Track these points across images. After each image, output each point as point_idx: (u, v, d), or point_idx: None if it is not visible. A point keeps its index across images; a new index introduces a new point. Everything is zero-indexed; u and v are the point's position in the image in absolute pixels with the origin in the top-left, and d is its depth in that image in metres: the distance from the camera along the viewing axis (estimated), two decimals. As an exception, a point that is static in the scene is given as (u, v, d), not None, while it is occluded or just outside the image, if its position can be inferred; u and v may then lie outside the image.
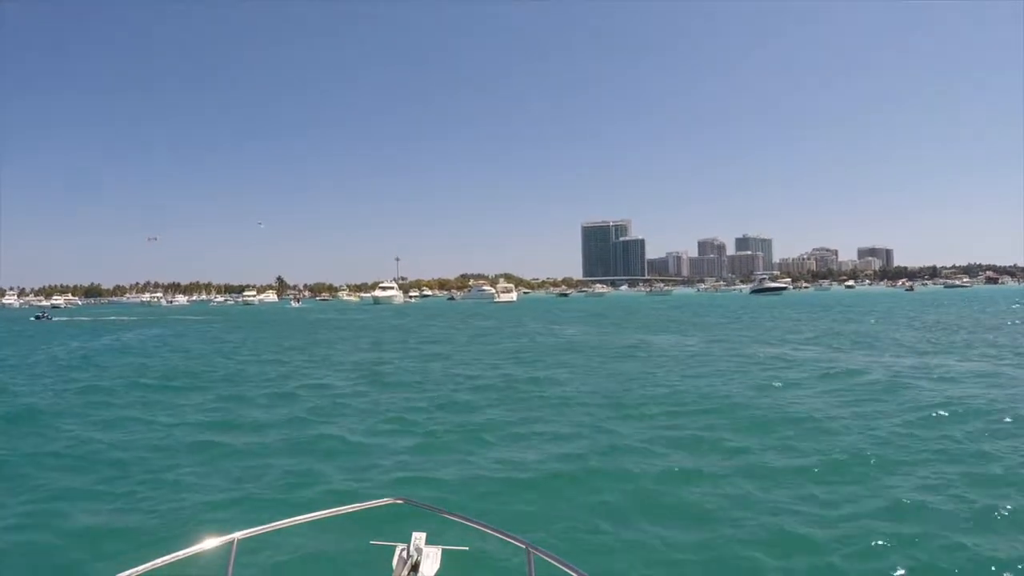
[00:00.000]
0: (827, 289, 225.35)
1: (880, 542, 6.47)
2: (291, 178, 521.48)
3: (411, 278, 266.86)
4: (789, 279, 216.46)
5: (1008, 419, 11.70)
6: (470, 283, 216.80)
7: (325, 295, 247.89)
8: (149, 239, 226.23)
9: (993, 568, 5.93)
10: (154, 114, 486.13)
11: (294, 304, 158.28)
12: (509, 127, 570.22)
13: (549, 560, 2.46)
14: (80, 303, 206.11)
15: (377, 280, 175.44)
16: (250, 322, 66.88)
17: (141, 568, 2.37)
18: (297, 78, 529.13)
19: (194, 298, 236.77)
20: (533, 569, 2.46)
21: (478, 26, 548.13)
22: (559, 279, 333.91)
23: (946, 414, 12.27)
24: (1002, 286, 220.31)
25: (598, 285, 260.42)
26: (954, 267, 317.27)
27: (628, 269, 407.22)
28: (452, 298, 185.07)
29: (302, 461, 10.13)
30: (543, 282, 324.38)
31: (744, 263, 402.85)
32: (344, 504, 3.34)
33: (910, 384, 16.02)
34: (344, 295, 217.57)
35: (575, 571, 2.41)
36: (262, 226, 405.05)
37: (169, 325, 61.75)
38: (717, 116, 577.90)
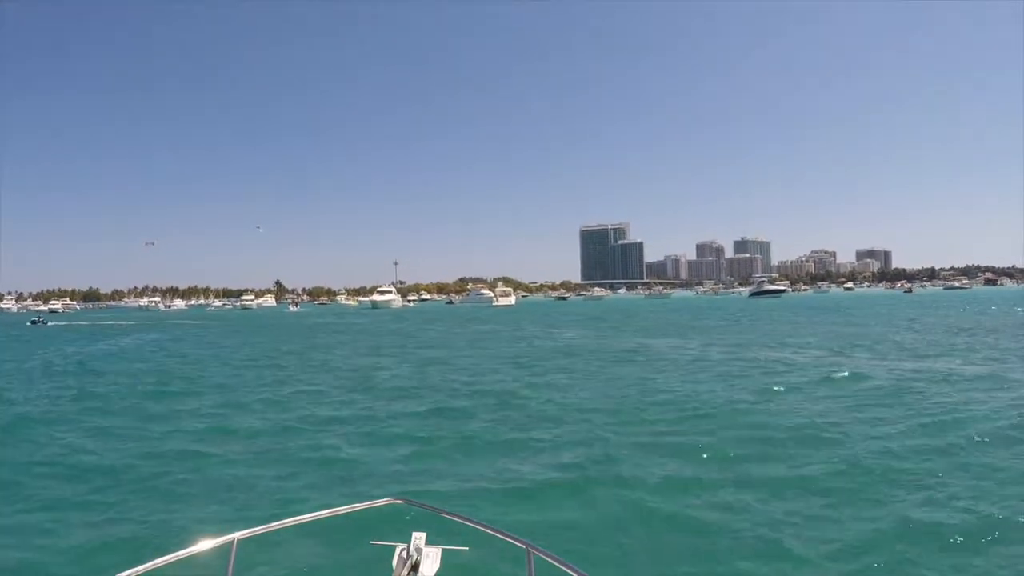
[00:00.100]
0: (826, 291, 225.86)
1: (883, 561, 6.28)
2: (290, 181, 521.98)
3: (409, 282, 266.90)
4: (787, 281, 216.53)
5: (1015, 425, 11.55)
6: (468, 287, 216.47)
7: (324, 299, 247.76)
8: (146, 243, 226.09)
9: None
10: (152, 116, 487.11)
11: (292, 308, 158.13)
12: (509, 127, 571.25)
13: (549, 560, 2.45)
14: (78, 308, 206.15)
15: (375, 284, 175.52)
16: (248, 327, 66.68)
17: (141, 568, 2.37)
18: (296, 79, 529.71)
19: (192, 302, 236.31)
20: (533, 569, 2.46)
21: (478, 26, 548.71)
22: (558, 282, 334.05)
23: (950, 419, 12.12)
24: (1001, 287, 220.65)
25: (596, 288, 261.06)
26: (952, 269, 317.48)
27: (626, 272, 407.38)
28: (451, 302, 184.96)
29: (294, 471, 9.95)
30: (541, 285, 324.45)
31: (742, 266, 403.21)
32: (344, 504, 3.34)
33: (913, 388, 15.89)
34: (342, 299, 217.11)
35: (575, 571, 2.40)
36: (260, 230, 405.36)
37: (166, 330, 61.53)
38: (717, 116, 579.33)
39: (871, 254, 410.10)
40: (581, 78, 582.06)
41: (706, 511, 7.75)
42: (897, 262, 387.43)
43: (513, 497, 8.46)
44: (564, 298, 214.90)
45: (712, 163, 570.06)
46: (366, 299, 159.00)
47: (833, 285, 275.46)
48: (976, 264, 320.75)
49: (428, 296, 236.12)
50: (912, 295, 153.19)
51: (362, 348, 34.43)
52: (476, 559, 5.40)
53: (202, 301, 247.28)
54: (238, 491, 8.99)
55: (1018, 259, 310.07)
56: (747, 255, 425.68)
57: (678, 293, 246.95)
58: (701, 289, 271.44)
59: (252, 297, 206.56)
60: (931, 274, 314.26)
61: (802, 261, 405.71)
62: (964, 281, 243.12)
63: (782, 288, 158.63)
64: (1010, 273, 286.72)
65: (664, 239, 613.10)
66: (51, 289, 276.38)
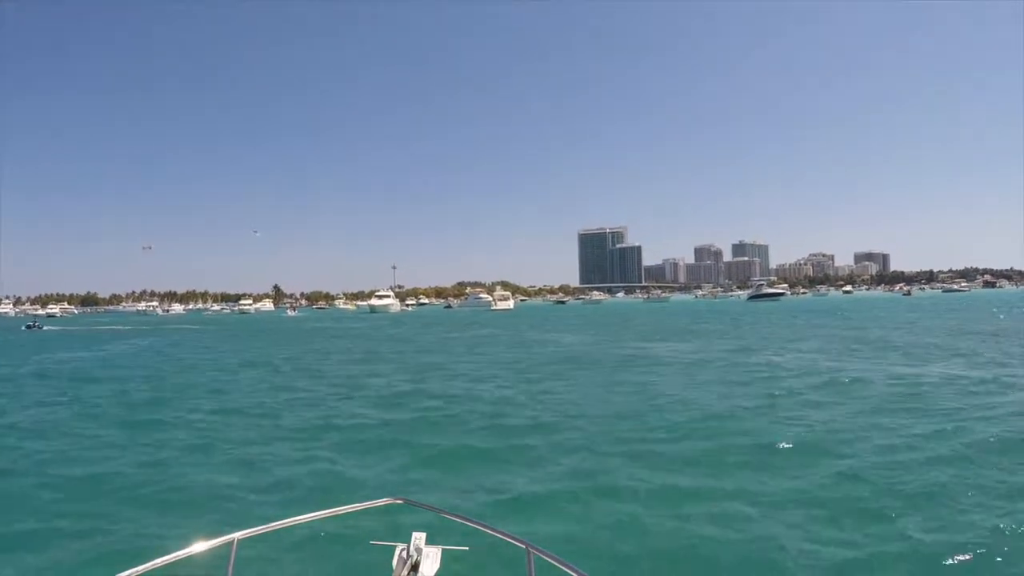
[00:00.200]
0: (825, 295, 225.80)
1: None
2: (288, 183, 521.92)
3: (408, 286, 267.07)
4: (786, 285, 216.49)
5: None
6: (467, 291, 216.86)
7: (322, 304, 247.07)
8: (144, 248, 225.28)
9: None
10: (151, 117, 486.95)
11: (290, 313, 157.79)
12: (508, 127, 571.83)
13: (549, 560, 2.45)
14: (76, 312, 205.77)
15: (374, 288, 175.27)
16: (245, 331, 66.37)
17: (141, 568, 2.37)
18: (295, 81, 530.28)
19: (190, 307, 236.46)
20: (533, 569, 2.45)
21: (478, 26, 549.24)
22: (556, 286, 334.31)
23: (957, 427, 11.84)
24: (1000, 290, 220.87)
25: (595, 292, 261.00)
26: (951, 271, 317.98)
27: (625, 276, 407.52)
28: (449, 306, 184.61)
29: (286, 480, 9.66)
30: (540, 289, 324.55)
31: (741, 269, 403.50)
32: (344, 504, 3.34)
33: (917, 393, 15.64)
34: (341, 304, 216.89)
35: (575, 571, 2.40)
36: (257, 234, 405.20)
37: (163, 335, 61.17)
38: (716, 116, 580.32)
39: (869, 257, 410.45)
40: (581, 78, 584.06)
41: (704, 523, 7.48)
42: (895, 265, 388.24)
43: (505, 508, 8.22)
44: (563, 302, 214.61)
45: (711, 163, 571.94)
46: (364, 303, 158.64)
47: (831, 288, 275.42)
48: (974, 266, 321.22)
49: (426, 300, 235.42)
50: (911, 298, 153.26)
51: (359, 353, 34.14)
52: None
53: (200, 305, 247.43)
54: (227, 501, 8.72)
55: (1015, 261, 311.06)
56: (745, 258, 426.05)
57: (677, 296, 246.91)
58: (700, 292, 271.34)
59: (250, 301, 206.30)
60: (929, 276, 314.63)
61: (800, 264, 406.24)
62: (963, 283, 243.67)
63: (781, 291, 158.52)
64: (1008, 275, 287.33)
65: (662, 243, 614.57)
66: (49, 293, 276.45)
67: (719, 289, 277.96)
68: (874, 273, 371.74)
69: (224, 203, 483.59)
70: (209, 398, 18.41)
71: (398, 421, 14.26)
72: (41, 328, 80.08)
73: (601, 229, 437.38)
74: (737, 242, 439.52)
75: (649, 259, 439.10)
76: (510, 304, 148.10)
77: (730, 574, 6.30)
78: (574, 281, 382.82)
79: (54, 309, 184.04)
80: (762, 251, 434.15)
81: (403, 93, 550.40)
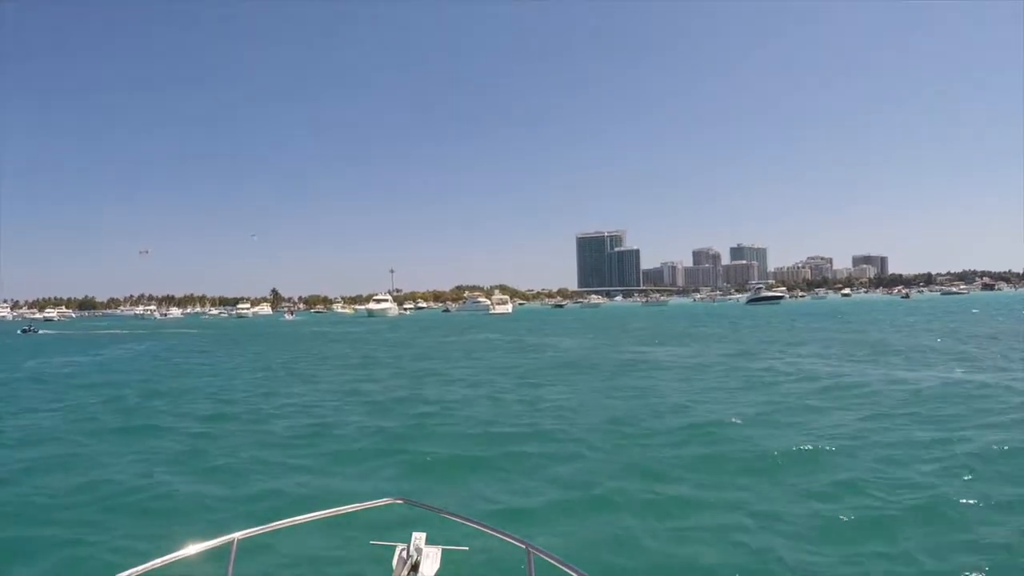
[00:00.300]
0: (823, 298, 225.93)
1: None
2: (286, 188, 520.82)
3: (406, 290, 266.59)
4: (784, 288, 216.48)
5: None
6: (465, 295, 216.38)
7: (320, 307, 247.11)
8: (141, 252, 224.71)
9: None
10: (150, 120, 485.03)
11: (288, 317, 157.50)
12: (508, 128, 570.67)
13: (549, 560, 2.45)
14: (74, 316, 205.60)
15: (372, 292, 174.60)
16: (242, 336, 66.06)
17: (141, 568, 2.37)
18: (294, 82, 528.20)
19: (188, 311, 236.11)
20: (533, 569, 2.45)
21: (478, 26, 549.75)
22: (554, 290, 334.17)
23: (967, 435, 11.60)
24: (999, 292, 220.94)
25: (593, 296, 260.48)
26: (949, 274, 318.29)
27: (623, 280, 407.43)
28: (447, 310, 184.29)
29: (271, 494, 9.41)
30: (538, 293, 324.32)
31: (739, 272, 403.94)
32: (344, 504, 3.34)
33: (921, 397, 15.42)
34: (339, 307, 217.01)
35: (575, 571, 2.40)
36: (255, 238, 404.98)
37: (160, 339, 60.88)
38: (716, 116, 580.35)
39: (867, 260, 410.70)
40: (581, 78, 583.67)
41: (702, 534, 7.27)
42: (893, 267, 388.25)
43: (500, 518, 7.96)
44: (561, 306, 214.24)
45: (711, 164, 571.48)
46: (362, 307, 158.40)
47: (830, 291, 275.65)
48: (972, 269, 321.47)
49: (424, 304, 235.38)
50: (910, 300, 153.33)
51: (356, 359, 33.89)
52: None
53: (198, 309, 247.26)
54: (213, 512, 8.48)
55: (1013, 263, 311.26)
56: (743, 262, 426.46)
57: (675, 300, 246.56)
58: (698, 296, 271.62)
59: (248, 305, 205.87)
60: (928, 279, 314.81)
61: (798, 267, 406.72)
62: (961, 286, 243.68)
63: (779, 295, 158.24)
64: (1007, 278, 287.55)
65: (660, 246, 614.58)
66: (47, 297, 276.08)
67: (717, 292, 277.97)
68: (872, 276, 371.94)
69: (222, 204, 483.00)
70: (203, 404, 18.15)
71: (393, 428, 14.00)
72: (36, 332, 79.87)
73: (599, 232, 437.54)
74: (735, 245, 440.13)
75: (647, 262, 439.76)
76: (508, 308, 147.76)
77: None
78: (572, 285, 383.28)
79: (51, 313, 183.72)
80: (760, 254, 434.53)
81: (403, 93, 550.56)
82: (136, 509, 8.75)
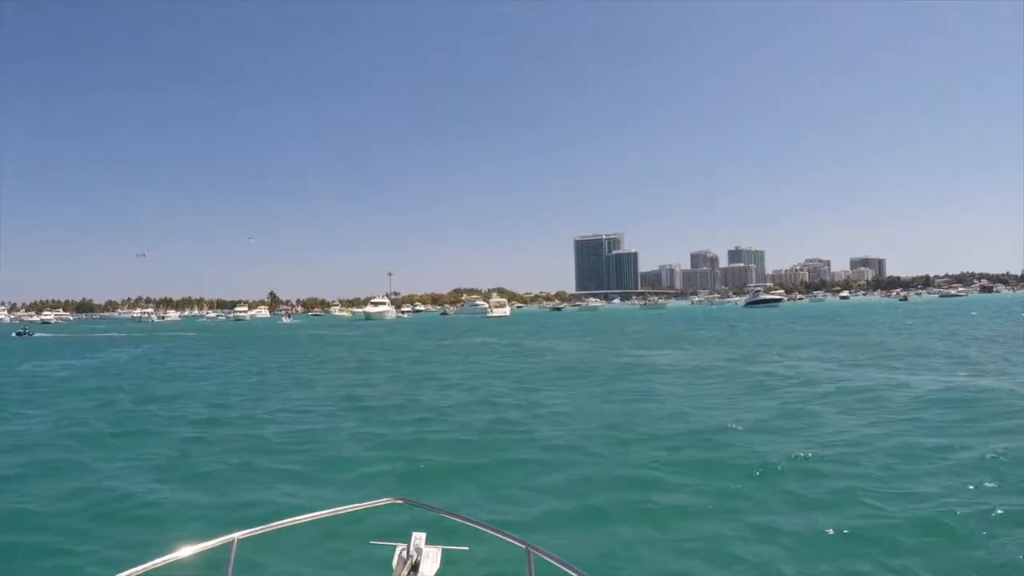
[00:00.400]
0: (822, 300, 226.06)
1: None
2: (286, 189, 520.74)
3: (404, 293, 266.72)
4: (782, 291, 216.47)
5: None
6: (463, 298, 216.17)
7: (317, 310, 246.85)
8: (138, 255, 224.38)
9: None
10: (149, 121, 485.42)
11: (285, 320, 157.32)
12: (508, 128, 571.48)
13: (549, 560, 2.46)
14: (71, 318, 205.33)
15: (369, 295, 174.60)
16: (240, 339, 65.80)
17: (141, 568, 2.36)
18: (293, 83, 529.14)
19: (186, 313, 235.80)
20: (533, 569, 2.46)
21: (478, 26, 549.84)
22: (552, 293, 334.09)
23: (969, 443, 11.42)
24: (997, 294, 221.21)
25: (591, 299, 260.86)
26: (947, 276, 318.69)
27: (621, 282, 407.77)
28: (445, 313, 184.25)
29: (263, 502, 9.23)
30: (536, 296, 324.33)
31: (737, 275, 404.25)
32: (344, 504, 3.35)
33: (923, 401, 15.24)
34: (336, 310, 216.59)
35: (575, 571, 2.41)
36: (252, 241, 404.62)
37: (157, 342, 60.62)
38: (716, 117, 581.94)
39: (865, 262, 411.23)
40: (581, 78, 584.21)
41: (701, 544, 7.10)
42: (891, 270, 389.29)
43: (497, 525, 7.77)
44: (559, 309, 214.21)
45: (710, 164, 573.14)
46: (360, 310, 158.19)
47: (828, 294, 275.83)
48: (970, 271, 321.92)
49: (422, 307, 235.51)
50: (908, 303, 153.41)
51: (353, 362, 33.68)
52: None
53: (195, 312, 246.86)
54: (199, 521, 8.28)
55: (1011, 265, 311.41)
56: (741, 264, 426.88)
57: (673, 303, 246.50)
58: (696, 299, 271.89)
59: (245, 308, 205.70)
60: (926, 282, 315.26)
61: (796, 270, 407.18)
62: (959, 288, 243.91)
63: (778, 297, 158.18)
64: (1005, 280, 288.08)
65: (658, 249, 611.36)
66: (44, 300, 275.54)
67: (715, 295, 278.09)
68: (870, 278, 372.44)
69: (221, 207, 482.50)
70: (198, 409, 17.94)
71: (388, 434, 13.81)
72: (32, 335, 79.48)
73: (597, 235, 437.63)
74: (733, 248, 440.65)
75: (645, 265, 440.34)
76: (506, 311, 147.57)
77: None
78: (570, 288, 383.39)
79: (49, 316, 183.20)
80: (758, 257, 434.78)
81: (403, 93, 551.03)
82: (125, 517, 8.61)
